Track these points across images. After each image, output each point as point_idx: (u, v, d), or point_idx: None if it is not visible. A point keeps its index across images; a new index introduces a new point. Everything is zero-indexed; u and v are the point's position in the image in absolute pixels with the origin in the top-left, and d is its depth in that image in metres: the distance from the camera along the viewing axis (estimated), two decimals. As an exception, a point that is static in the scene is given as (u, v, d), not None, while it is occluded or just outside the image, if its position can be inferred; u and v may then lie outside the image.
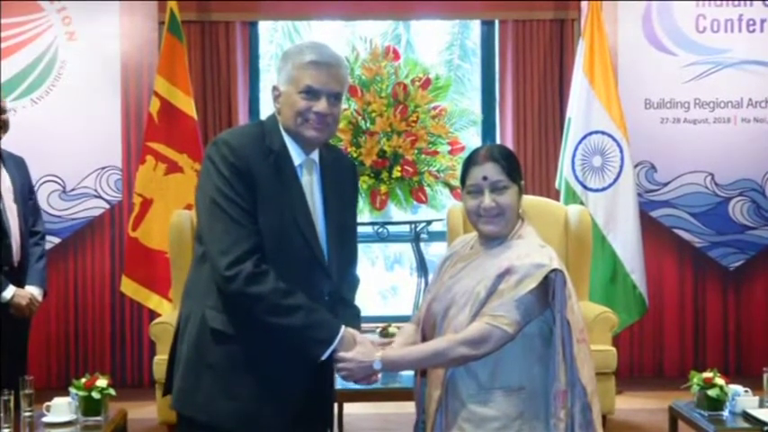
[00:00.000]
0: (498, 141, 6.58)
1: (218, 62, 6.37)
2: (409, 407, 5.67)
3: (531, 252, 2.57)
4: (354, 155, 5.60)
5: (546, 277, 2.53)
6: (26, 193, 4.71)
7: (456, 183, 5.66)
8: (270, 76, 7.67)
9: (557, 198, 6.13)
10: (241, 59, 6.43)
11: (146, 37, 6.40)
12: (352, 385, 4.53)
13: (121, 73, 6.39)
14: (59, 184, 6.29)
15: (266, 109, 6.99)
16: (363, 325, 5.66)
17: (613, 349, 5.25)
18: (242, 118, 6.42)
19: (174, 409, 2.69)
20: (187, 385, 2.62)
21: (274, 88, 2.72)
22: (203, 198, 2.59)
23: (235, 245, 2.53)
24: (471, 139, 6.58)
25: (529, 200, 6.02)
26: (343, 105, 5.81)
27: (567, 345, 2.54)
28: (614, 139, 6.05)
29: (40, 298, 4.64)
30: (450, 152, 5.70)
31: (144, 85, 6.36)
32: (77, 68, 6.33)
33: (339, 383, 4.52)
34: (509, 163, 2.67)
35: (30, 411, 3.90)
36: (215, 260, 2.54)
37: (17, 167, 4.67)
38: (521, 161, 6.37)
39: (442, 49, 8.24)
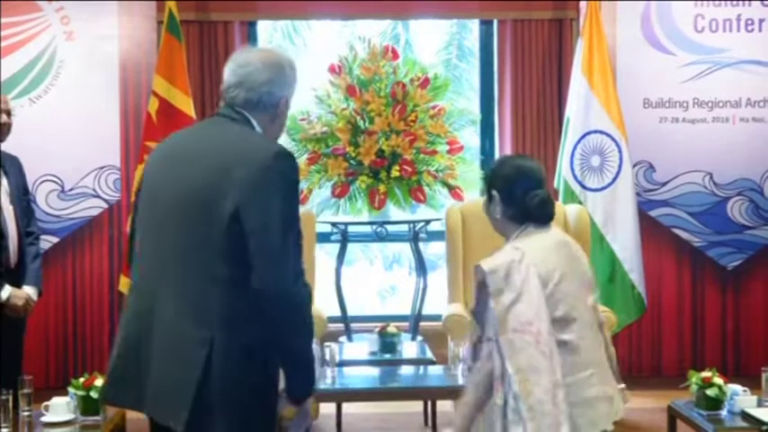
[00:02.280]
0: (497, 141, 6.59)
1: (216, 62, 6.37)
2: (407, 406, 5.69)
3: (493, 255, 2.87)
4: (353, 154, 5.60)
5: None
6: (21, 194, 4.71)
7: (454, 182, 5.67)
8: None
9: (555, 197, 6.13)
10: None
11: (144, 37, 6.39)
12: (350, 385, 4.56)
13: (120, 73, 6.38)
14: (58, 183, 6.28)
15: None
16: (363, 324, 5.70)
17: (612, 348, 5.24)
18: (240, 117, 6.40)
19: None
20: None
21: (284, 98, 2.67)
22: (270, 217, 2.43)
23: (298, 264, 2.49)
24: (470, 138, 6.58)
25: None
26: (342, 105, 5.84)
27: (496, 335, 2.74)
28: (613, 139, 6.06)
29: (35, 298, 4.64)
30: (449, 152, 5.70)
31: (142, 85, 6.36)
32: (76, 68, 6.33)
33: (339, 383, 4.54)
34: (488, 173, 3.02)
35: (28, 411, 3.90)
36: (286, 280, 2.44)
37: (13, 167, 4.67)
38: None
39: (440, 49, 8.24)
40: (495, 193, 2.93)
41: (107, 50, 6.36)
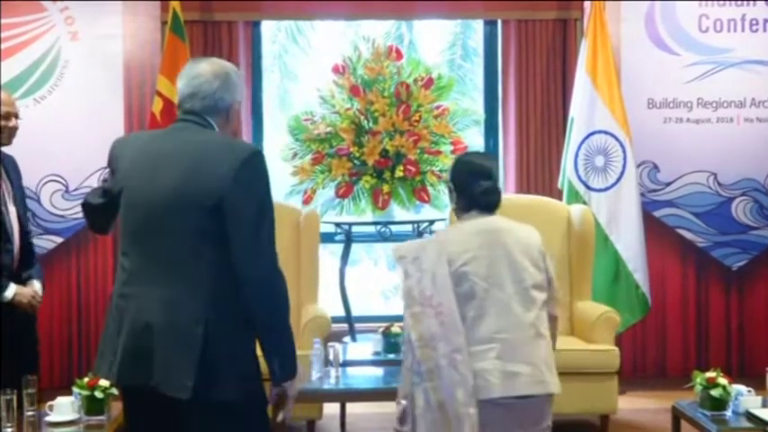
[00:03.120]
0: (501, 141, 6.60)
1: (220, 62, 6.37)
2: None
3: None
4: (357, 154, 5.60)
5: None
6: (21, 194, 4.71)
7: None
8: (273, 76, 7.68)
9: (559, 198, 6.14)
10: (244, 59, 6.43)
11: (148, 37, 6.40)
12: (354, 385, 4.56)
13: (124, 73, 6.39)
14: (62, 183, 6.29)
15: (268, 109, 7.00)
16: (367, 325, 5.71)
17: (616, 349, 5.25)
18: (244, 117, 6.41)
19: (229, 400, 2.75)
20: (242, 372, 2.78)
21: (234, 102, 2.95)
22: (249, 208, 2.74)
23: (274, 250, 2.80)
24: (474, 138, 6.58)
25: (531, 199, 6.11)
26: (346, 105, 5.83)
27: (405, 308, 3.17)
28: (617, 139, 6.05)
29: (41, 292, 4.64)
30: (453, 152, 5.70)
31: (147, 85, 6.37)
32: (80, 68, 6.34)
33: (343, 383, 4.54)
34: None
35: (33, 411, 3.90)
36: (269, 262, 2.76)
37: (11, 167, 4.66)
38: (523, 161, 6.37)
39: (444, 49, 8.23)
40: (451, 186, 3.33)
41: (111, 50, 6.36)
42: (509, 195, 6.31)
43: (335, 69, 5.82)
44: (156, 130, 3.32)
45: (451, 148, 5.72)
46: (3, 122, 4.47)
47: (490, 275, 3.14)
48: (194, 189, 2.73)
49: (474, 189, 3.27)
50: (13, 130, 4.54)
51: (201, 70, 2.93)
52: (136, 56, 6.41)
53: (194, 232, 2.73)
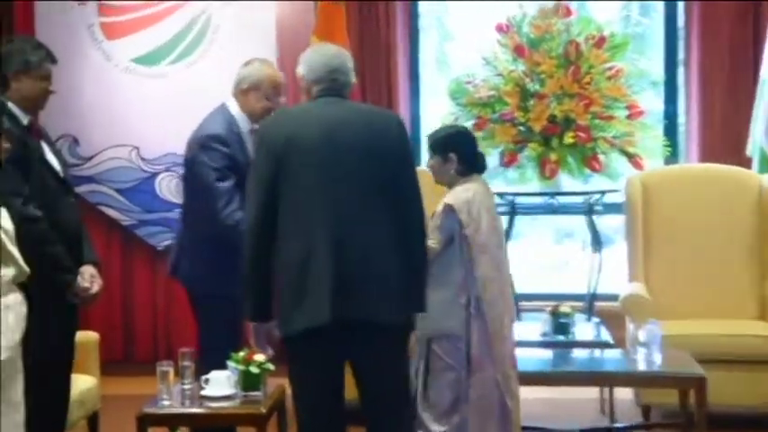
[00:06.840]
0: (682, 105, 6.48)
1: (377, 24, 6.45)
2: (581, 392, 5.66)
3: (450, 195, 4.09)
4: (522, 120, 5.59)
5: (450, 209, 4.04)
6: None
7: (634, 150, 5.59)
8: (431, 37, 7.71)
9: (748, 166, 5.97)
10: (401, 19, 6.50)
11: (302, -1, 6.53)
12: (521, 368, 4.58)
13: (277, 37, 6.55)
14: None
15: (426, 70, 7.05)
16: (533, 303, 5.82)
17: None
18: (401, 80, 6.48)
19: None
20: None
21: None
22: (414, 169, 3.58)
23: None
24: (651, 102, 6.46)
25: (718, 169, 5.93)
26: (510, 66, 5.78)
27: (464, 252, 3.99)
28: (814, 102, 5.85)
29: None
30: (629, 117, 5.63)
31: (300, 50, 6.37)
32: (231, 33, 6.53)
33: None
34: (430, 141, 4.26)
35: (189, 384, 4.10)
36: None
37: None
38: (707, 126, 6.17)
39: (620, 5, 8.09)
40: (452, 155, 4.11)
41: (263, 14, 6.53)
42: (693, 165, 6.20)
43: (499, 28, 5.81)
44: (301, 104, 3.77)
45: (626, 112, 5.64)
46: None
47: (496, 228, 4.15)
48: (378, 147, 3.44)
49: (478, 159, 4.22)
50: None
51: (334, 52, 3.67)
52: (288, 19, 6.55)
53: (381, 182, 3.41)
